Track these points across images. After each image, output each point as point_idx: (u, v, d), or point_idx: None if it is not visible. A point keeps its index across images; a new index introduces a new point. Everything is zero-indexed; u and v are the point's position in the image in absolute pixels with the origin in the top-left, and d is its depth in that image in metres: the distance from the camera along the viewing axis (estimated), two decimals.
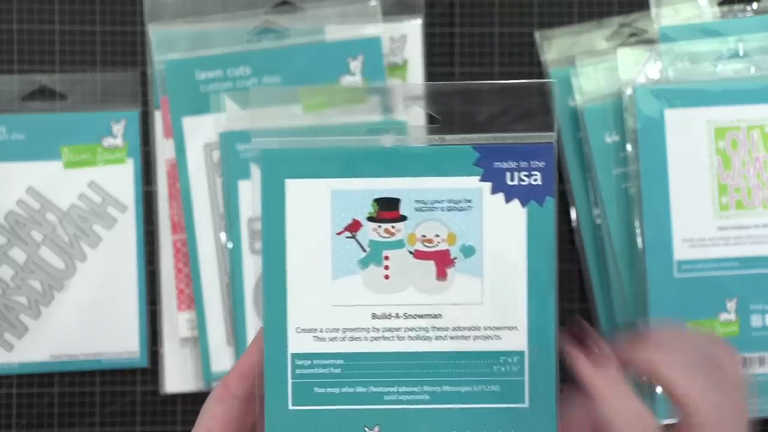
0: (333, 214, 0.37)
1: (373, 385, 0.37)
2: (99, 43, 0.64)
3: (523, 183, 0.37)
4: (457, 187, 0.37)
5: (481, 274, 0.37)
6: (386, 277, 0.37)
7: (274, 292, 0.37)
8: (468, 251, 0.37)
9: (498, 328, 0.37)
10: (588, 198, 0.63)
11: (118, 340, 0.63)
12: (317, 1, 0.63)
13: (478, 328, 0.37)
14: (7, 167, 0.63)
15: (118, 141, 0.64)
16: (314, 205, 0.37)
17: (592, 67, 0.62)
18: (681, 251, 0.60)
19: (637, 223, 0.61)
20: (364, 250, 0.38)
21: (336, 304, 0.37)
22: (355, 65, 0.62)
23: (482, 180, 0.37)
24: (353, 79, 0.62)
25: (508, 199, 0.37)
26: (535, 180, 0.37)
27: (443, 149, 0.38)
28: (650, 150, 0.60)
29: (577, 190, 0.63)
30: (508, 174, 0.37)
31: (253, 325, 0.62)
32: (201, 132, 0.62)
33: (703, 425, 0.39)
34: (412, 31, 0.64)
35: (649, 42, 0.63)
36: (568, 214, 0.64)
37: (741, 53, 0.61)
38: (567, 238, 0.64)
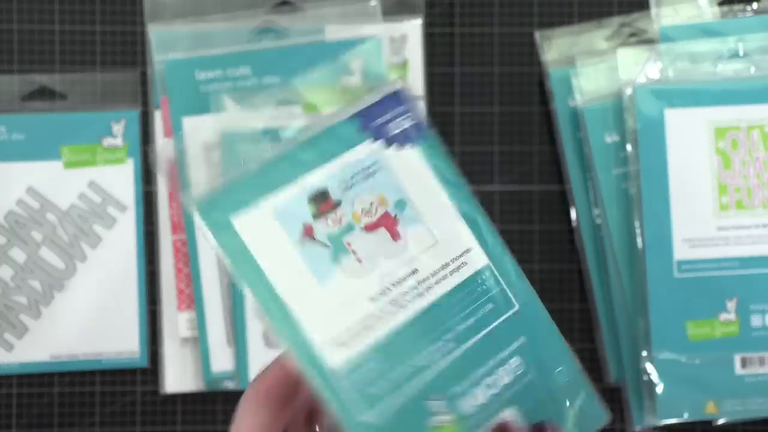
0: (286, 230, 0.39)
1: (409, 360, 0.38)
2: (99, 43, 0.64)
3: (404, 128, 0.41)
4: (361, 157, 0.40)
5: (421, 219, 0.40)
6: (359, 260, 0.39)
7: (286, 325, 0.38)
8: (401, 205, 0.40)
9: (460, 256, 0.40)
10: (588, 198, 0.63)
11: (118, 340, 0.63)
12: (317, 1, 0.63)
13: (447, 265, 0.40)
14: (7, 167, 0.63)
15: (118, 141, 0.64)
16: (267, 230, 0.39)
17: (592, 67, 0.62)
18: (681, 251, 0.60)
19: (637, 223, 0.61)
20: (328, 247, 0.39)
21: (336, 305, 0.38)
22: (356, 65, 0.62)
23: (374, 141, 0.40)
24: (353, 79, 0.62)
25: (400, 147, 0.40)
26: (410, 121, 0.41)
27: (330, 131, 0.40)
28: (650, 150, 0.60)
29: (577, 190, 0.63)
30: (389, 126, 0.40)
31: (253, 326, 0.62)
32: (201, 132, 0.62)
33: None
34: (412, 31, 0.64)
35: (649, 42, 0.63)
36: (568, 214, 0.64)
37: (741, 53, 0.61)
38: (567, 238, 0.64)
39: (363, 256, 0.39)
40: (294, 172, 0.39)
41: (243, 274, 0.38)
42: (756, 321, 0.60)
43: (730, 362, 0.60)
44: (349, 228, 0.39)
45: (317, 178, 0.39)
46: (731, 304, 0.60)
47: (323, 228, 0.39)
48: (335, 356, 0.38)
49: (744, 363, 0.60)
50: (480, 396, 0.39)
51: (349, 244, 0.39)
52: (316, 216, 0.39)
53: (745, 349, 0.60)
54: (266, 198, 0.39)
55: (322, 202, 0.39)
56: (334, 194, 0.40)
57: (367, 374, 0.38)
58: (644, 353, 0.60)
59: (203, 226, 0.38)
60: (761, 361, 0.60)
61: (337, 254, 0.39)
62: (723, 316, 0.60)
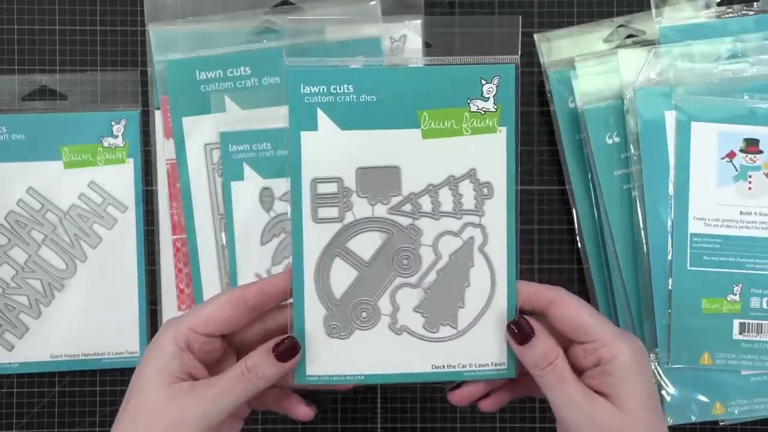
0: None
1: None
2: (99, 43, 0.65)
3: None
4: None
5: None
6: None
7: None
8: None
9: None
10: (589, 198, 0.63)
11: (118, 340, 0.63)
12: (317, 1, 0.63)
13: None
14: (7, 167, 0.63)
15: (119, 141, 0.64)
16: None
17: (591, 68, 0.62)
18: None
19: (639, 224, 0.61)
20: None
21: None
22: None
23: None
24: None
25: None
26: None
27: None
28: (652, 151, 0.60)
29: (578, 192, 0.63)
30: None
31: None
32: (201, 132, 0.62)
33: (626, 365, 0.46)
34: (412, 31, 0.64)
35: (648, 43, 0.63)
36: (568, 214, 0.64)
37: (741, 53, 0.61)
38: (567, 238, 0.64)
39: None
40: None
41: None
42: (755, 302, 0.61)
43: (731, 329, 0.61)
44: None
45: None
46: (734, 297, 0.60)
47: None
48: None
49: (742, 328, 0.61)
50: None
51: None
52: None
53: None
54: None
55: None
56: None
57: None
58: (651, 356, 0.60)
59: None
60: (759, 329, 0.61)
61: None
62: (729, 297, 0.60)
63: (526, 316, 0.48)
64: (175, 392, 0.45)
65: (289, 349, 0.47)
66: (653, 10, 0.62)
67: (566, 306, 0.47)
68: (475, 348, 0.50)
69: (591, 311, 0.47)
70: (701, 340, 0.60)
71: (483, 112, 0.48)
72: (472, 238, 0.49)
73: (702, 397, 0.61)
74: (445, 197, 0.49)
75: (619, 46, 0.63)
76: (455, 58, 0.49)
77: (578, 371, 0.48)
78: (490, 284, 0.49)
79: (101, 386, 0.64)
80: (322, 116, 0.48)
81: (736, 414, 0.61)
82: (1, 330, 0.63)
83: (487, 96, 0.48)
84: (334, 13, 0.63)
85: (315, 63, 0.48)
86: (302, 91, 0.48)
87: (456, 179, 0.49)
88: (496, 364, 0.50)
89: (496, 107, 0.49)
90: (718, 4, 0.63)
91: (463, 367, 0.50)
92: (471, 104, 0.49)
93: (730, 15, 0.62)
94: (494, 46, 0.50)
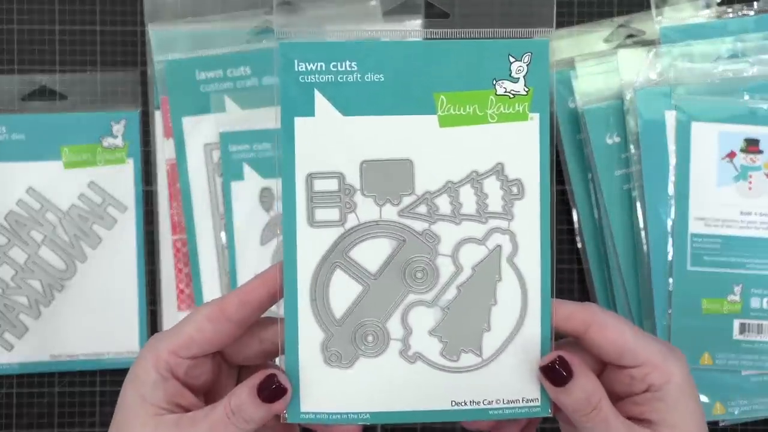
0: None
1: None
2: (99, 43, 0.64)
3: None
4: None
5: None
6: None
7: None
8: None
9: None
10: (589, 199, 0.63)
11: (118, 340, 0.63)
12: (317, 1, 0.63)
13: None
14: (7, 167, 0.63)
15: (118, 141, 0.64)
16: None
17: (591, 68, 0.62)
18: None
19: (639, 224, 0.61)
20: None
21: None
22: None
23: None
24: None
25: None
26: None
27: None
28: (652, 151, 0.60)
29: (578, 192, 0.63)
30: None
31: None
32: (201, 132, 0.62)
33: (680, 389, 0.40)
34: (412, 31, 0.64)
35: (648, 43, 0.63)
36: (568, 214, 0.64)
37: (741, 53, 0.61)
38: (567, 238, 0.64)
39: None
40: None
41: None
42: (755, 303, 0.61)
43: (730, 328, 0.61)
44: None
45: None
46: (734, 297, 0.60)
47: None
48: None
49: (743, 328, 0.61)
50: None
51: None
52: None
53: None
54: None
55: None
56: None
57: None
58: None
59: None
60: (759, 329, 0.61)
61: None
62: (729, 297, 0.60)
63: (563, 353, 0.40)
64: (158, 427, 0.40)
65: (276, 390, 0.40)
66: (653, 10, 0.63)
67: (607, 328, 0.41)
68: (503, 380, 0.42)
69: (633, 330, 0.41)
70: (701, 341, 0.60)
71: (512, 96, 0.41)
72: (499, 246, 0.42)
73: (702, 397, 0.61)
74: (467, 197, 0.41)
75: (619, 46, 0.63)
76: (477, 30, 0.42)
77: (616, 397, 0.42)
78: (521, 303, 0.42)
79: (101, 386, 0.64)
80: (320, 99, 0.41)
81: (736, 414, 0.61)
82: (1, 330, 0.63)
83: (516, 76, 0.41)
84: (334, 13, 0.63)
85: (312, 36, 0.41)
86: (296, 69, 0.40)
87: (480, 176, 0.41)
88: (528, 400, 0.42)
89: (527, 90, 0.41)
90: (719, 4, 0.63)
91: (489, 403, 0.42)
92: (497, 86, 0.41)
93: (730, 15, 0.62)
94: (523, 16, 0.45)
